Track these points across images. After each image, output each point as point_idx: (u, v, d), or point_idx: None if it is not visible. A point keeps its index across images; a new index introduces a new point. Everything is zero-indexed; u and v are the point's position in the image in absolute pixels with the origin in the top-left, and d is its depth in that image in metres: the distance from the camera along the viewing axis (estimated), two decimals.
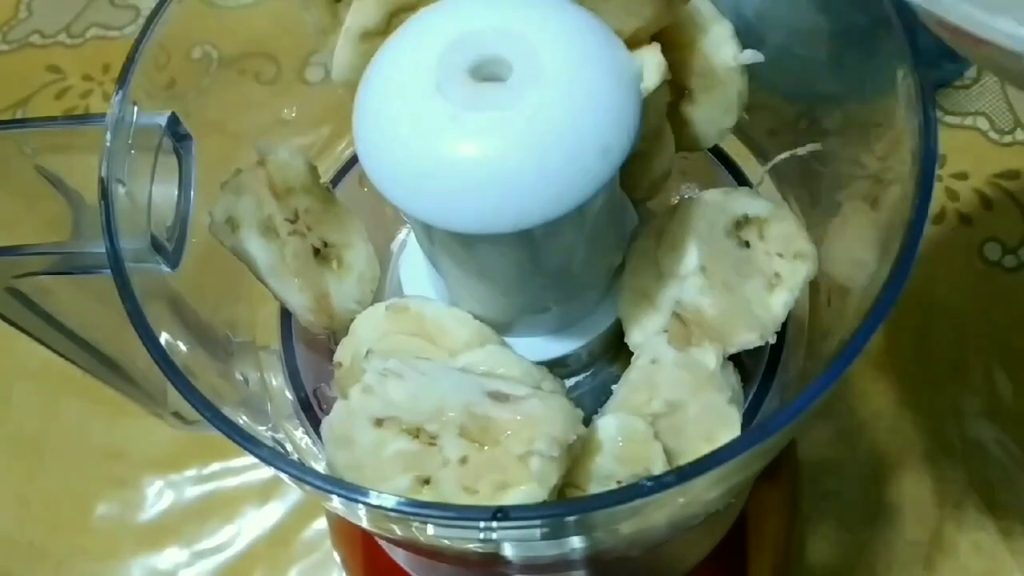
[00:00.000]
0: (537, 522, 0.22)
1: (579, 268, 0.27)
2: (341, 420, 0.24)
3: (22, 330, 0.32)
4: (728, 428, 0.25)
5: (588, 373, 0.30)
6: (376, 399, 0.24)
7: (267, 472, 0.23)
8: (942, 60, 0.53)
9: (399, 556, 0.38)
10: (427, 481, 0.24)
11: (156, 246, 0.27)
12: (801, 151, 0.30)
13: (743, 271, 0.27)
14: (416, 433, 0.24)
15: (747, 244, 0.28)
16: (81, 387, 0.37)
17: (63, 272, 0.28)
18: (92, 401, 0.48)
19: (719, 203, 0.28)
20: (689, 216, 0.28)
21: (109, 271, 0.25)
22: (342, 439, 0.24)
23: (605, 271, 0.28)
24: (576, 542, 0.27)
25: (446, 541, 0.26)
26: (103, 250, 0.25)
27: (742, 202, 0.28)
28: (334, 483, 0.22)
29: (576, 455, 0.24)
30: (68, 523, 0.48)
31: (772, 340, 0.27)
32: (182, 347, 0.26)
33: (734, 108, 0.28)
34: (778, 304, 0.27)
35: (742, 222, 0.28)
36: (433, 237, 0.26)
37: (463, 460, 0.24)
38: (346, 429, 0.24)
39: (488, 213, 0.22)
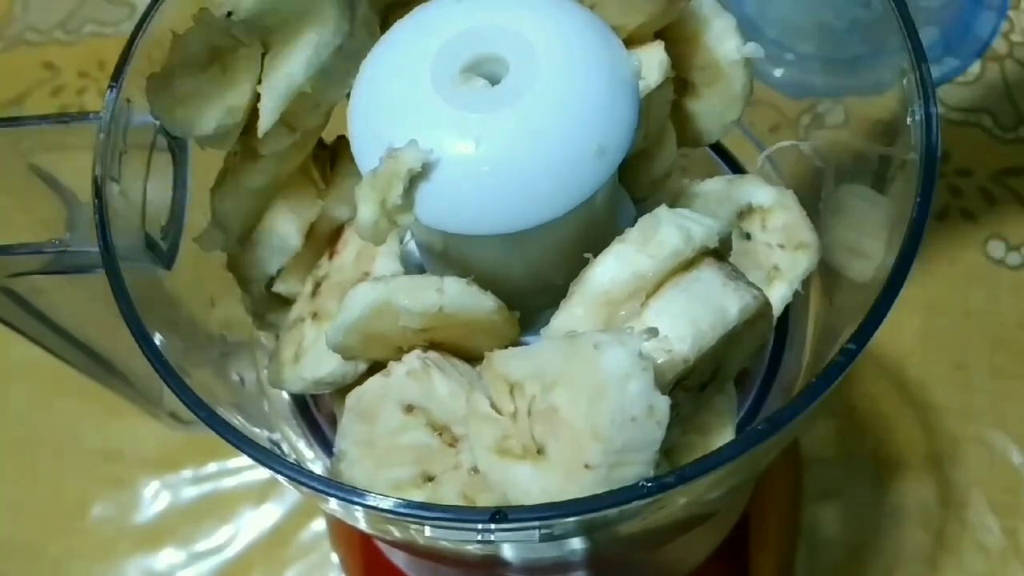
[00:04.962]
0: (535, 524, 0.21)
1: (577, 270, 0.26)
2: (373, 394, 0.24)
3: (16, 330, 0.32)
4: (722, 430, 0.25)
5: None
6: (417, 385, 0.24)
7: (265, 472, 0.22)
8: (945, 56, 0.53)
9: (398, 558, 0.38)
10: (430, 479, 0.24)
11: (150, 245, 0.27)
12: (802, 145, 0.30)
13: (740, 264, 0.27)
14: (441, 430, 0.24)
15: (748, 236, 0.28)
16: (76, 387, 0.37)
17: (57, 271, 0.28)
18: (87, 401, 0.48)
19: (722, 192, 0.28)
20: (690, 207, 0.28)
21: (103, 270, 0.25)
22: (366, 412, 0.24)
23: None
24: (576, 543, 0.27)
25: (444, 543, 0.26)
26: (97, 249, 0.25)
27: (746, 190, 0.28)
28: (330, 484, 0.22)
29: None
30: (63, 524, 0.47)
31: (770, 337, 0.27)
32: (177, 347, 0.25)
33: (737, 102, 0.28)
34: (775, 298, 0.27)
35: (745, 212, 0.28)
36: (431, 237, 0.26)
37: (475, 469, 0.23)
38: (374, 404, 0.24)
39: (483, 214, 0.22)
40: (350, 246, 0.28)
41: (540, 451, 0.21)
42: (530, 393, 0.21)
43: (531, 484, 0.21)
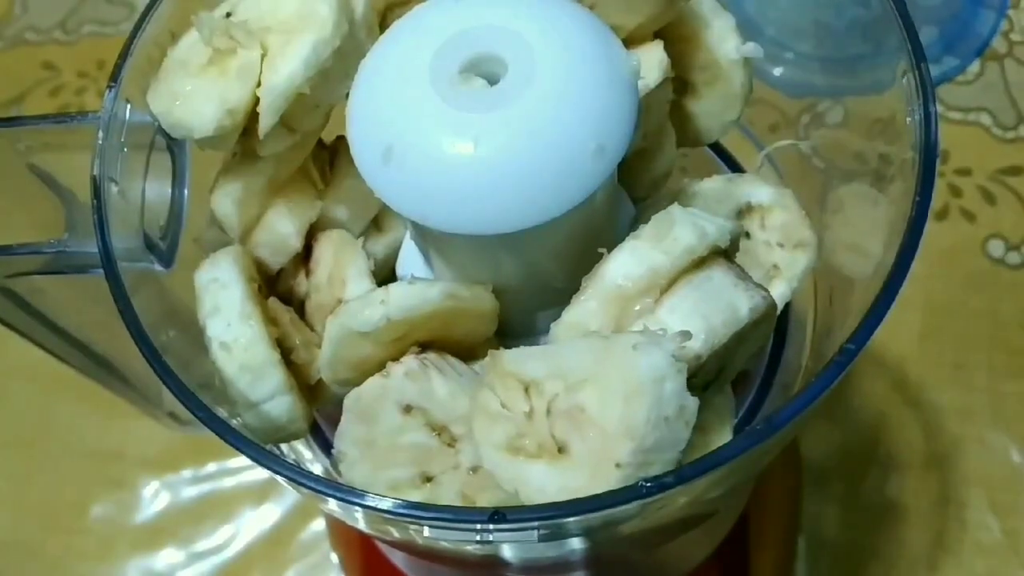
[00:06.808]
0: (534, 524, 0.21)
1: (576, 270, 0.26)
2: (372, 395, 0.24)
3: (15, 330, 0.32)
4: (721, 430, 0.25)
5: None
6: (415, 386, 0.24)
7: (264, 473, 0.22)
8: (944, 56, 0.53)
9: (398, 558, 0.38)
10: (429, 479, 0.24)
11: (149, 245, 0.27)
12: (802, 145, 0.30)
13: (740, 263, 0.27)
14: (440, 430, 0.24)
15: (747, 235, 0.28)
16: (75, 388, 0.37)
17: (56, 271, 0.28)
18: (86, 402, 0.48)
19: (721, 191, 0.28)
20: (690, 206, 0.28)
21: (102, 270, 0.25)
22: (365, 413, 0.24)
23: None
24: (576, 543, 0.27)
25: (444, 543, 0.26)
26: (96, 249, 0.25)
27: (745, 189, 0.28)
28: (329, 485, 0.22)
29: None
30: (63, 524, 0.47)
31: (770, 337, 0.27)
32: (176, 347, 0.25)
33: (737, 102, 0.28)
34: (774, 297, 0.27)
35: (744, 211, 0.28)
36: (430, 237, 0.26)
37: (474, 469, 0.23)
38: (373, 405, 0.24)
39: (481, 214, 0.22)
40: (321, 266, 0.28)
41: (561, 449, 0.21)
42: (551, 392, 0.21)
43: (548, 482, 0.21)
